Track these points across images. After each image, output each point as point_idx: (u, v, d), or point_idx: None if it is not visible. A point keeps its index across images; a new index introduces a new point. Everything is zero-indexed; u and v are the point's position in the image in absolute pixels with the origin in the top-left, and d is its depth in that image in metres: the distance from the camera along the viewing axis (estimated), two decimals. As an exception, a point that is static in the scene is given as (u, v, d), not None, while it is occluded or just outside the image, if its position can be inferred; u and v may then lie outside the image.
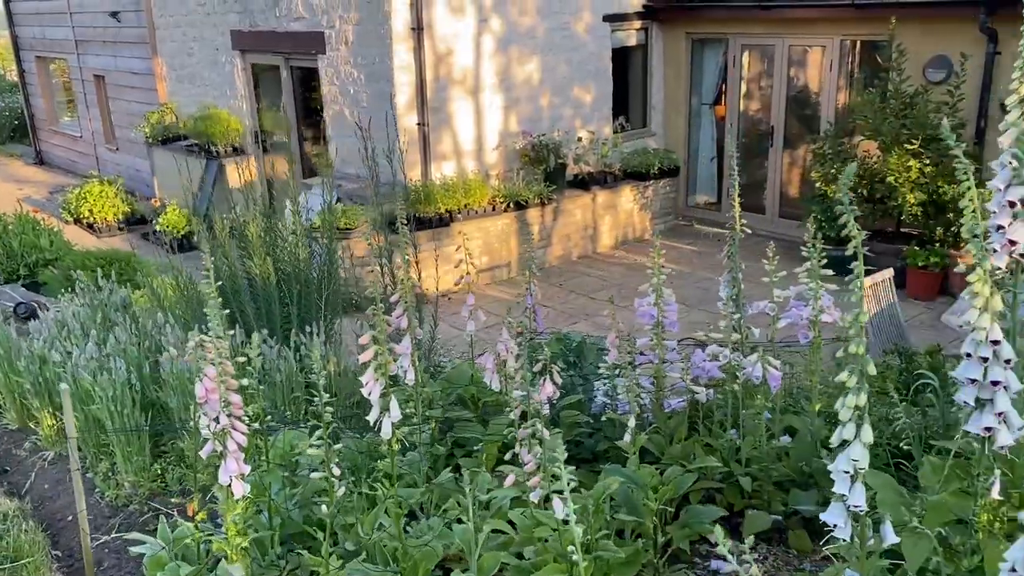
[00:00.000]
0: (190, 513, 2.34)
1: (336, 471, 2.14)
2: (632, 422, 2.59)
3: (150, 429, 3.52)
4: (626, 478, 2.45)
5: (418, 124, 9.64)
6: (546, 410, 3.06)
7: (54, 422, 4.01)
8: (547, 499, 2.19)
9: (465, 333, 3.20)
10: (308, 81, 11.26)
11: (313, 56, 10.48)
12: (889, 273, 6.69)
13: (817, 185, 9.45)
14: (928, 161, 8.55)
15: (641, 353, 3.00)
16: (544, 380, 2.94)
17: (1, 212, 9.66)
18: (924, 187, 8.59)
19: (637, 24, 11.50)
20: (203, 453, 2.20)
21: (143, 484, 3.45)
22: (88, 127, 16.35)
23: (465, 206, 9.61)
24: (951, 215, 8.48)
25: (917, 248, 8.74)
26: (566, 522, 2.02)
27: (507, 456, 2.67)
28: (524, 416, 2.43)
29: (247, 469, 2.18)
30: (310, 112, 11.46)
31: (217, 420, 2.16)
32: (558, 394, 3.00)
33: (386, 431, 2.17)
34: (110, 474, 3.59)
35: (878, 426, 3.05)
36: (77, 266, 8.02)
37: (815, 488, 2.81)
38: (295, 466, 2.82)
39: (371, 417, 2.20)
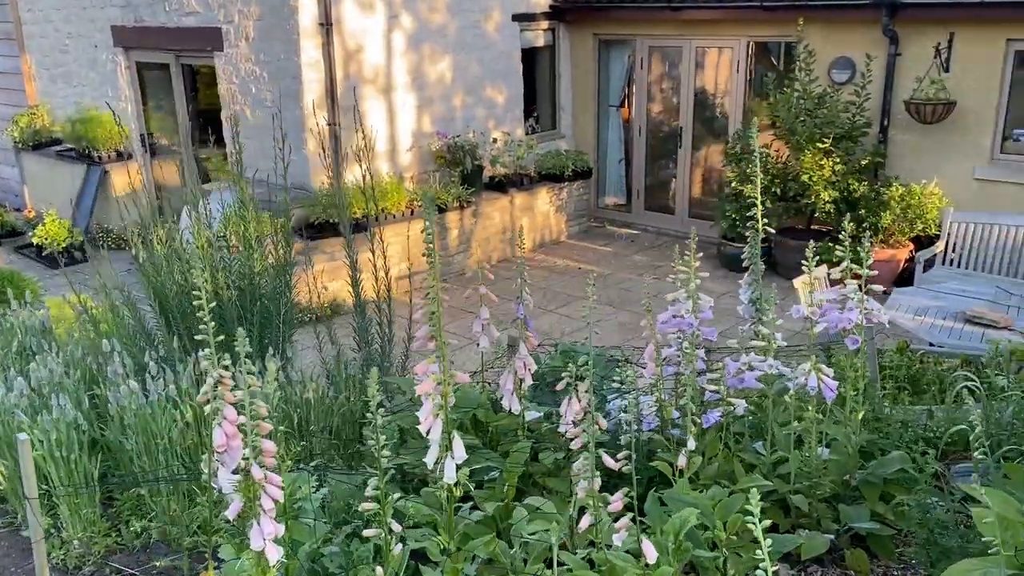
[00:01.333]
0: (205, 585, 1.95)
1: (396, 527, 1.82)
2: (691, 443, 2.37)
3: (105, 479, 3.03)
4: (697, 507, 2.22)
5: (328, 124, 9.17)
6: (571, 432, 2.80)
7: (-30, 473, 3.42)
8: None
9: (479, 348, 2.89)
10: (203, 80, 10.54)
11: (208, 53, 9.80)
12: (825, 270, 6.79)
13: (732, 184, 9.57)
14: (839, 159, 8.79)
15: (668, 364, 2.78)
16: (570, 399, 2.68)
17: None
18: (836, 185, 8.83)
19: (545, 24, 11.39)
20: (230, 514, 1.82)
21: (96, 541, 2.96)
22: (-58, 131, 14.83)
23: (382, 210, 9.20)
24: (862, 211, 8.76)
25: (831, 244, 8.96)
26: (648, 565, 1.78)
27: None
28: (580, 446, 2.16)
29: (282, 529, 1.82)
30: (205, 113, 10.73)
31: (246, 472, 1.79)
32: (583, 414, 2.74)
33: (450, 474, 1.86)
34: (53, 531, 3.06)
35: (911, 428, 2.94)
36: (-49, 286, 7.13)
37: (862, 501, 2.67)
38: (295, 515, 2.45)
39: (429, 459, 1.89)
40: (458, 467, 1.87)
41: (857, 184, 8.83)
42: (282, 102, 9.11)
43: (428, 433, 1.88)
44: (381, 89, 9.56)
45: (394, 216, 9.33)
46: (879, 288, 3.44)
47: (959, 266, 8.14)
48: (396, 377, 3.54)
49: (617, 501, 1.98)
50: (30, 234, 10.86)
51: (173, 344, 3.32)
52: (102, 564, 2.86)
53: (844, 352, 2.83)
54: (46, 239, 10.46)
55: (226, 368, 1.91)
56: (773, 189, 9.26)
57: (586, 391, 2.08)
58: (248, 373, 1.78)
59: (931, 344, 5.65)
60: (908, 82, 8.73)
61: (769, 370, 2.64)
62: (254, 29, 9.18)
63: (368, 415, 2.36)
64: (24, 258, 10.87)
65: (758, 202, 3.05)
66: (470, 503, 2.71)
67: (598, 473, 2.08)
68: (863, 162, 8.92)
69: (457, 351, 7.78)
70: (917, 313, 6.22)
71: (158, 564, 2.75)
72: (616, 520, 1.97)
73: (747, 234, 3.12)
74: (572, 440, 2.24)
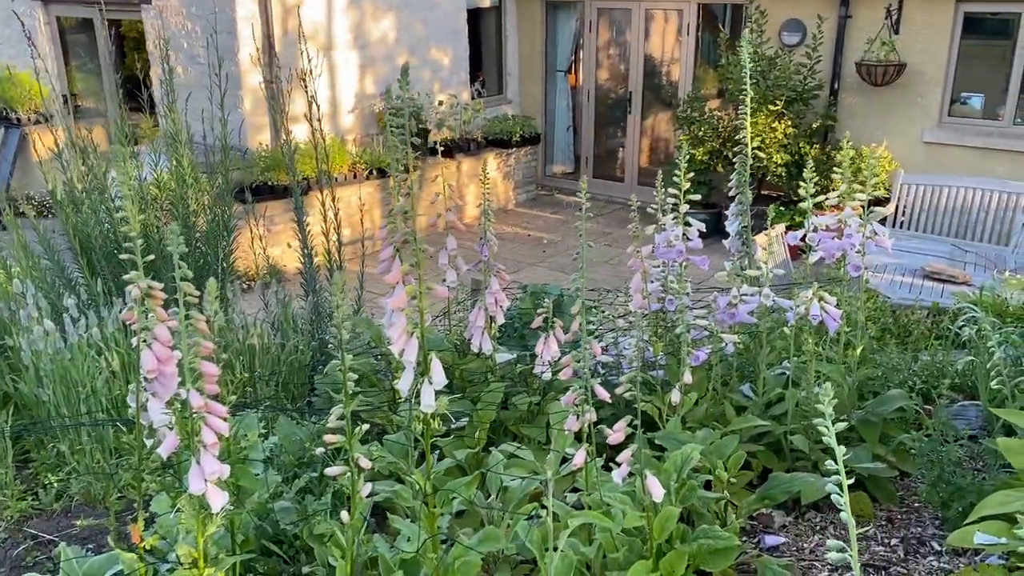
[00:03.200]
0: (135, 538, 1.65)
1: (365, 463, 1.54)
2: (688, 376, 2.14)
3: (14, 430, 2.67)
4: (700, 445, 1.99)
5: (265, 81, 8.70)
6: (547, 374, 2.55)
7: None
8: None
9: (447, 283, 2.61)
10: (130, 37, 9.94)
11: (136, 7, 9.22)
12: (782, 228, 6.67)
13: (683, 147, 9.42)
14: (790, 122, 8.70)
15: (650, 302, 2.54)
16: (547, 337, 2.42)
17: None
18: (787, 148, 8.75)
19: (491, -15, 11.05)
20: (163, 451, 1.52)
21: (8, 506, 2.60)
22: None
23: (324, 172, 8.79)
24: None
25: (783, 208, 8.90)
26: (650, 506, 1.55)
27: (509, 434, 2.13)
28: (570, 376, 1.91)
29: (227, 470, 1.52)
30: (132, 73, 10.12)
31: (183, 402, 1.49)
32: (559, 353, 2.49)
33: (427, 401, 1.59)
34: (-43, 497, 2.68)
35: (900, 371, 2.78)
36: None
37: (860, 443, 2.49)
38: (241, 460, 2.14)
39: (403, 384, 1.61)
40: (437, 394, 1.61)
41: (808, 147, 8.76)
42: (215, 59, 8.60)
43: (402, 355, 1.61)
44: (321, 47, 9.11)
45: (336, 179, 8.94)
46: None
47: (909, 228, 8.14)
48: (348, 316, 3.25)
49: (619, 431, 1.74)
50: (-58, 201, 10.14)
51: (97, 287, 2.96)
52: (15, 530, 2.52)
53: (830, 286, 2.66)
54: (-41, 205, 9.76)
55: (183, 280, 1.60)
56: (724, 153, 9.15)
57: (576, 313, 1.82)
58: (183, 279, 1.47)
59: (889, 299, 5.58)
60: (859, 44, 8.67)
61: (765, 300, 2.43)
62: (184, -20, 8.65)
63: (322, 365, 2.05)
64: (-65, 226, 10.17)
65: (747, 123, 2.83)
66: (435, 452, 2.45)
67: (589, 407, 1.83)
68: (814, 125, 8.86)
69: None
70: (876, 270, 6.14)
71: (79, 523, 2.42)
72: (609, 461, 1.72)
73: (735, 161, 2.91)
74: (558, 372, 1.99)
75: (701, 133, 9.24)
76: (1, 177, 10.36)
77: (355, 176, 9.15)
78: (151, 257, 1.78)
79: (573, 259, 2.11)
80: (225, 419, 1.53)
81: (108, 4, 9.62)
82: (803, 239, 2.51)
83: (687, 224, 2.55)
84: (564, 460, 2.45)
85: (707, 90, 10.06)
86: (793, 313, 2.39)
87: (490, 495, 2.17)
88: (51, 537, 2.46)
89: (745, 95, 2.88)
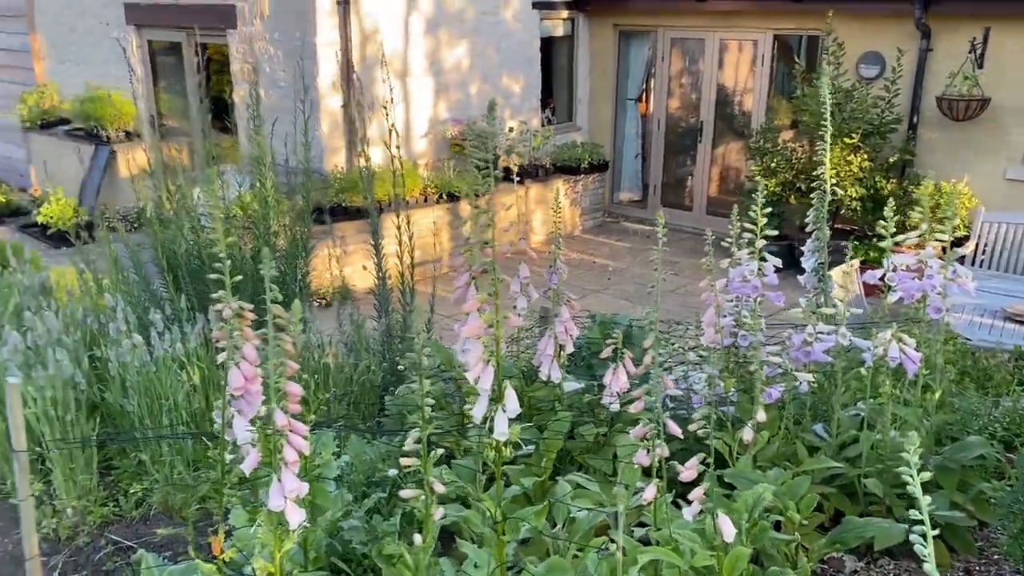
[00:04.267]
0: (215, 550, 1.70)
1: (439, 487, 1.57)
2: (761, 414, 2.12)
3: (102, 439, 2.78)
4: (772, 486, 1.97)
5: (342, 106, 8.94)
6: (615, 405, 2.55)
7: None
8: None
9: (518, 310, 2.63)
10: (215, 60, 10.32)
11: (222, 32, 9.59)
12: (856, 263, 6.54)
13: (756, 179, 9.32)
14: (866, 156, 8.54)
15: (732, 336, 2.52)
16: (616, 368, 2.42)
17: None
18: (863, 181, 8.58)
19: (564, 14, 11.17)
20: (246, 467, 1.58)
21: (92, 510, 2.71)
22: (-51, 110, 14.64)
23: (396, 196, 8.96)
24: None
25: (856, 243, 8.71)
26: (718, 546, 1.53)
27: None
28: (640, 409, 1.91)
29: (306, 488, 1.57)
30: (217, 94, 10.51)
31: (267, 419, 1.55)
32: (628, 385, 2.49)
33: (501, 430, 1.61)
34: (45, 498, 2.81)
35: (979, 416, 2.69)
36: (-49, 257, 6.90)
37: (937, 490, 2.42)
38: (316, 478, 2.20)
39: (477, 411, 1.64)
40: (510, 422, 1.63)
41: (884, 181, 8.58)
42: (296, 83, 8.89)
43: (477, 382, 1.63)
44: (397, 73, 9.33)
45: (407, 202, 9.10)
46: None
47: (989, 267, 7.88)
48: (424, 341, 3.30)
49: (691, 468, 1.73)
50: (35, 213, 10.64)
51: (181, 303, 3.08)
52: (97, 535, 2.62)
53: (911, 328, 2.60)
54: (51, 218, 10.23)
55: (273, 303, 1.66)
56: (798, 185, 9.02)
57: (649, 346, 1.83)
58: (273, 302, 1.53)
59: (968, 340, 5.41)
60: (940, 78, 8.48)
61: (842, 340, 2.39)
62: (269, 7, 8.96)
63: (392, 385, 2.09)
64: (29, 237, 10.64)
65: (827, 160, 2.80)
66: (502, 478, 2.47)
67: (661, 441, 1.83)
68: (891, 159, 8.67)
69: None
70: (953, 310, 5.95)
71: (160, 532, 2.51)
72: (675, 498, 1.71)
73: (809, 194, 2.88)
74: (627, 403, 1.99)
75: (774, 164, 9.13)
76: (90, 192, 10.83)
77: (426, 200, 9.30)
78: (239, 277, 1.86)
79: (649, 290, 2.11)
80: (306, 438, 1.58)
81: (197, 29, 10.03)
82: (882, 278, 2.47)
83: (763, 259, 2.53)
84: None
85: (780, 121, 9.95)
86: (871, 354, 2.34)
87: (556, 524, 2.18)
88: (130, 543, 2.55)
89: (824, 129, 2.85)
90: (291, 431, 1.55)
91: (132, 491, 2.70)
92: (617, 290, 9.04)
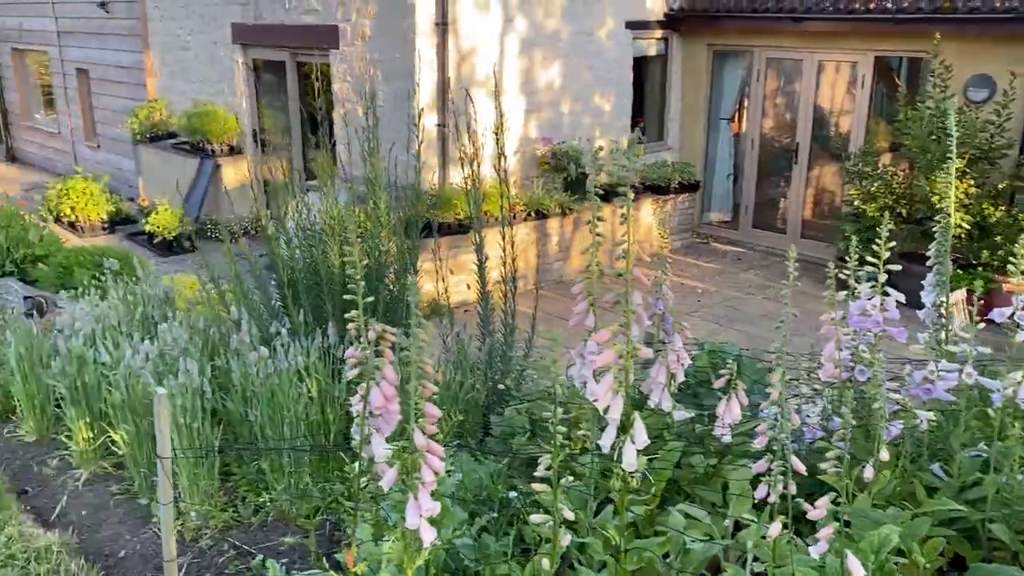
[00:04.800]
0: (348, 564, 1.78)
1: (568, 515, 1.60)
2: (884, 454, 2.08)
3: (224, 451, 2.92)
4: (897, 528, 1.93)
5: (437, 125, 9.12)
6: (726, 437, 2.54)
7: (91, 435, 3.38)
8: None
9: (632, 338, 2.65)
10: (316, 78, 10.67)
11: (325, 51, 9.91)
12: (963, 294, 6.31)
13: (855, 203, 9.10)
14: (973, 182, 8.24)
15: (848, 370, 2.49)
16: (730, 400, 2.41)
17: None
18: (968, 208, 8.28)
19: (658, 33, 11.15)
20: (384, 484, 1.65)
21: (214, 514, 2.85)
22: (67, 123, 15.54)
23: (484, 213, 9.08)
24: (997, 238, 8.17)
25: (960, 271, 8.40)
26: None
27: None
28: (764, 446, 1.90)
29: (438, 508, 1.63)
30: (315, 111, 10.86)
31: (406, 439, 1.61)
32: (740, 417, 2.47)
33: (629, 461, 1.64)
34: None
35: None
36: (72, 263, 7.33)
37: (1067, 537, 2.32)
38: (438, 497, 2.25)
39: (604, 440, 1.67)
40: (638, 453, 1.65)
41: (992, 209, 8.26)
42: (394, 101, 9.13)
43: (606, 412, 1.66)
44: (491, 92, 9.45)
45: (495, 219, 9.20)
46: None
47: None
48: (525, 363, 3.35)
49: (820, 508, 1.72)
50: (143, 222, 11.17)
51: (299, 317, 3.21)
52: (220, 539, 2.74)
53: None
54: (158, 227, 10.74)
55: (418, 327, 1.73)
56: (898, 210, 8.76)
57: (779, 379, 1.82)
58: (417, 326, 1.60)
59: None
60: (1055, 102, 8.14)
61: (967, 380, 2.33)
62: (370, 28, 9.23)
63: (497, 405, 2.13)
64: (136, 245, 11.18)
65: (951, 194, 2.74)
66: (610, 505, 2.48)
67: (788, 479, 1.82)
68: (1000, 186, 8.34)
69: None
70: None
71: (286, 541, 2.61)
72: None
73: (935, 231, 2.82)
74: (739, 434, 1.98)
75: (873, 189, 8.90)
76: (195, 203, 11.31)
77: (514, 217, 9.39)
78: (371, 298, 1.93)
79: (773, 322, 2.09)
80: (442, 459, 1.64)
81: (300, 48, 10.41)
82: (1011, 316, 2.39)
83: (885, 294, 2.49)
84: (737, 525, 2.42)
85: (879, 144, 9.69)
86: (1000, 394, 2.27)
87: (668, 555, 2.18)
88: (249, 549, 2.66)
89: (950, 160, 2.78)
90: (429, 452, 1.61)
91: (261, 500, 2.82)
92: (707, 313, 8.93)
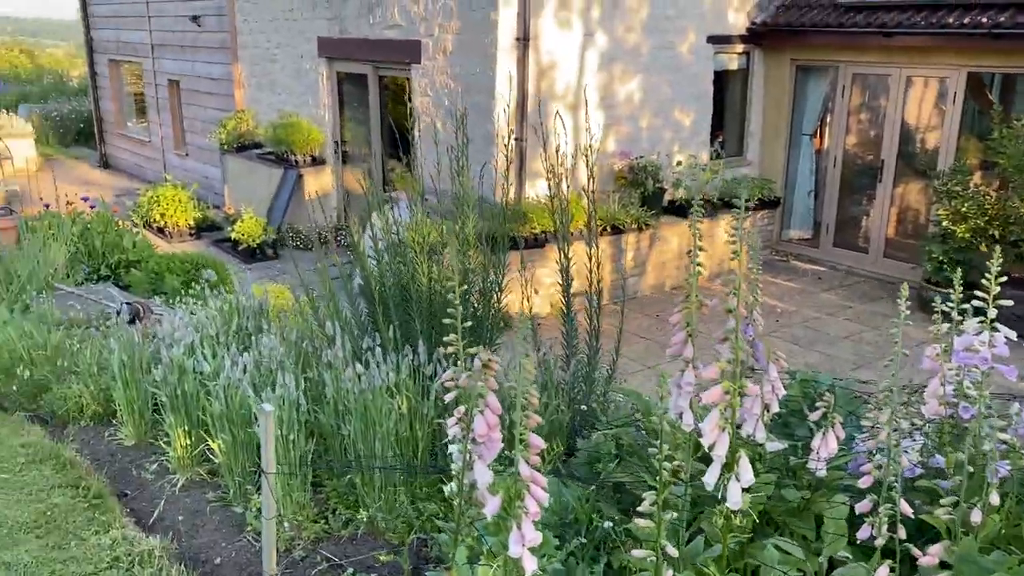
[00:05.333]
0: (449, 588, 1.81)
1: (672, 551, 1.60)
2: (995, 498, 2.01)
3: (315, 463, 3.00)
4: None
5: (516, 139, 9.17)
6: (822, 472, 2.49)
7: (189, 443, 3.51)
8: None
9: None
10: (397, 91, 10.88)
11: (406, 66, 10.09)
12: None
13: (943, 224, 8.81)
14: (1073, 203, 7.91)
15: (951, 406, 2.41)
16: (826, 433, 2.37)
17: (79, 211, 9.32)
18: (1067, 231, 7.94)
19: (740, 48, 11.02)
20: (488, 511, 1.67)
21: (306, 526, 2.92)
22: (158, 132, 16.17)
23: (588, 228, 9.09)
24: (1099, 262, 7.82)
25: (1056, 297, 8.05)
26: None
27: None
28: (870, 485, 1.86)
29: (539, 538, 1.64)
30: (396, 123, 11.06)
31: (511, 468, 1.63)
32: (836, 450, 2.42)
33: (734, 499, 1.63)
34: (259, 510, 3.05)
35: None
36: (163, 269, 7.61)
37: None
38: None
39: (708, 478, 1.66)
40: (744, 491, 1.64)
41: (1093, 232, 7.91)
42: (474, 116, 9.24)
43: (712, 449, 1.65)
44: (569, 106, 9.49)
45: (572, 234, 9.20)
46: None
47: None
48: (614, 386, 3.34)
49: (933, 556, 1.67)
50: (228, 229, 11.54)
51: (389, 334, 3.27)
52: (312, 551, 2.81)
53: None
54: (243, 235, 11.07)
55: (526, 356, 1.76)
56: (990, 232, 8.45)
57: (887, 421, 1.78)
58: (524, 357, 1.62)
59: None
60: None
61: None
62: (452, 43, 9.36)
63: (582, 427, 2.13)
64: (221, 252, 11.55)
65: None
66: (702, 534, 2.46)
67: (897, 523, 1.77)
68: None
69: (631, 375, 7.51)
70: None
71: (381, 558, 2.66)
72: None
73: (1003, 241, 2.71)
74: (834, 468, 1.94)
75: (964, 209, 8.60)
76: (278, 212, 11.63)
77: (591, 231, 9.36)
78: (469, 323, 1.96)
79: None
80: (546, 490, 1.65)
81: (382, 62, 10.61)
82: None
83: (994, 330, 2.41)
84: (831, 563, 2.38)
85: (970, 161, 9.37)
86: None
87: (761, 589, 2.15)
88: (340, 562, 2.72)
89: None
90: (533, 482, 1.63)
91: (354, 514, 2.88)
92: (786, 333, 8.75)
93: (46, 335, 4.59)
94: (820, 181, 11.27)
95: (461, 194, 3.80)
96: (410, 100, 10.14)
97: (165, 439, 3.69)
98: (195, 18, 13.93)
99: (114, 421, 4.03)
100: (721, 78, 10.95)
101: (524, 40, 8.85)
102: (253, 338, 3.76)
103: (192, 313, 4.08)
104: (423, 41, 9.72)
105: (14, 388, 4.29)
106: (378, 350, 3.06)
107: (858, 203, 10.95)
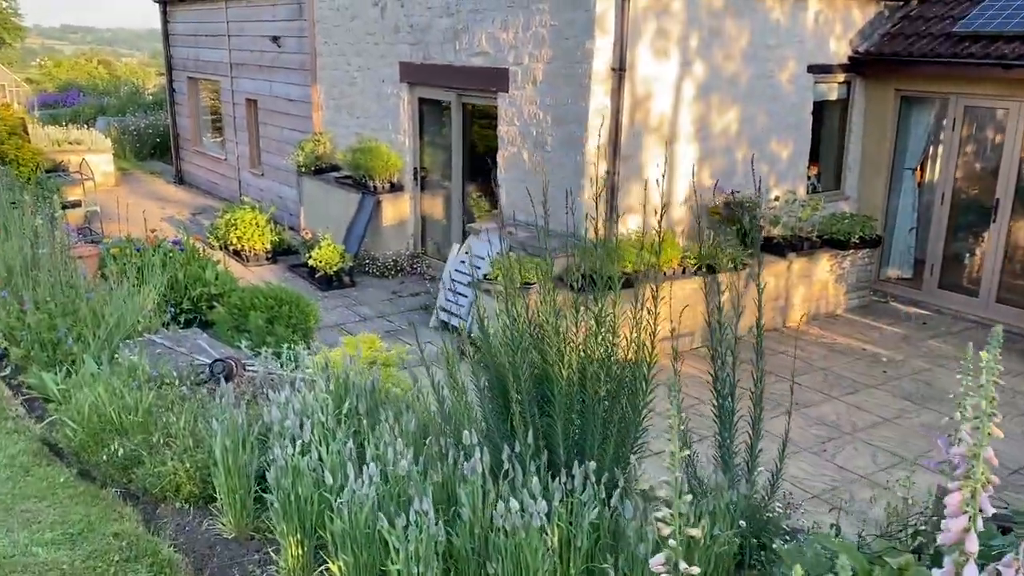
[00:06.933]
0: None
1: None
2: None
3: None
4: None
5: (607, 172, 8.76)
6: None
7: (301, 553, 3.16)
8: None
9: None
10: (479, 120, 10.57)
11: (492, 94, 9.77)
12: None
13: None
14: None
15: None
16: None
17: (162, 237, 9.20)
18: None
19: (841, 77, 10.45)
20: None
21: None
22: (234, 150, 16.18)
23: (654, 266, 8.63)
24: None
25: None
26: None
27: None
28: None
29: None
30: (477, 152, 10.75)
31: None
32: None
33: None
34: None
35: None
36: (246, 306, 7.38)
37: None
38: None
39: None
40: None
41: None
42: (564, 147, 8.86)
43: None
44: (664, 138, 9.05)
45: (664, 273, 8.75)
46: None
47: None
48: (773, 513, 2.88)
49: None
50: (305, 255, 11.35)
51: (528, 440, 2.86)
52: None
53: None
54: (320, 262, 10.87)
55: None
56: None
57: None
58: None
59: None
60: None
61: None
62: (543, 72, 9.01)
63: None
64: (297, 277, 11.37)
65: None
66: None
67: None
68: None
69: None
70: None
71: None
72: None
73: None
74: None
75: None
76: (355, 239, 11.41)
77: (684, 271, 8.90)
78: (686, 452, 1.55)
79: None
80: None
81: (467, 89, 10.31)
82: None
83: None
84: None
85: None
86: None
87: None
88: None
89: None
90: None
91: None
92: (894, 386, 8.15)
93: (136, 396, 4.33)
94: (923, 218, 10.62)
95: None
96: (495, 129, 9.81)
97: (268, 534, 3.36)
98: (275, 39, 13.86)
99: (211, 508, 3.73)
100: (818, 108, 10.40)
101: (620, 70, 8.45)
102: (364, 421, 3.41)
103: (296, 390, 3.76)
104: (511, 69, 9.38)
105: (103, 458, 4.02)
106: (535, 481, 2.64)
107: (966, 242, 10.27)
